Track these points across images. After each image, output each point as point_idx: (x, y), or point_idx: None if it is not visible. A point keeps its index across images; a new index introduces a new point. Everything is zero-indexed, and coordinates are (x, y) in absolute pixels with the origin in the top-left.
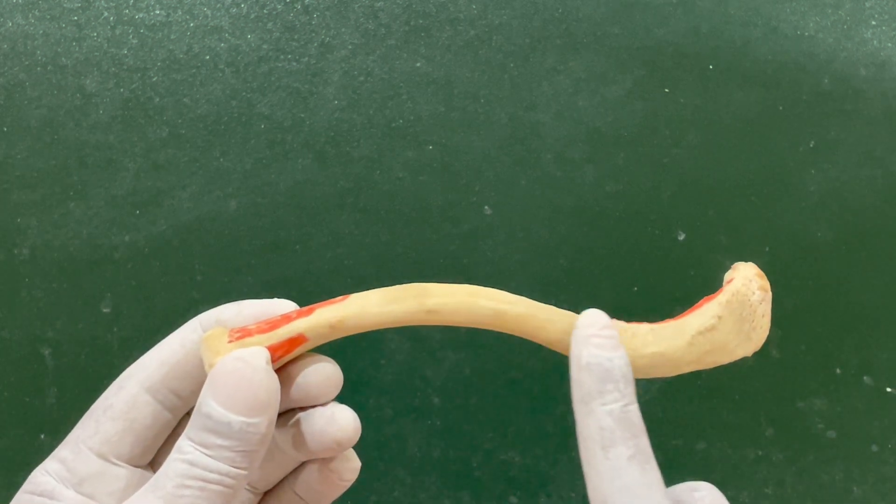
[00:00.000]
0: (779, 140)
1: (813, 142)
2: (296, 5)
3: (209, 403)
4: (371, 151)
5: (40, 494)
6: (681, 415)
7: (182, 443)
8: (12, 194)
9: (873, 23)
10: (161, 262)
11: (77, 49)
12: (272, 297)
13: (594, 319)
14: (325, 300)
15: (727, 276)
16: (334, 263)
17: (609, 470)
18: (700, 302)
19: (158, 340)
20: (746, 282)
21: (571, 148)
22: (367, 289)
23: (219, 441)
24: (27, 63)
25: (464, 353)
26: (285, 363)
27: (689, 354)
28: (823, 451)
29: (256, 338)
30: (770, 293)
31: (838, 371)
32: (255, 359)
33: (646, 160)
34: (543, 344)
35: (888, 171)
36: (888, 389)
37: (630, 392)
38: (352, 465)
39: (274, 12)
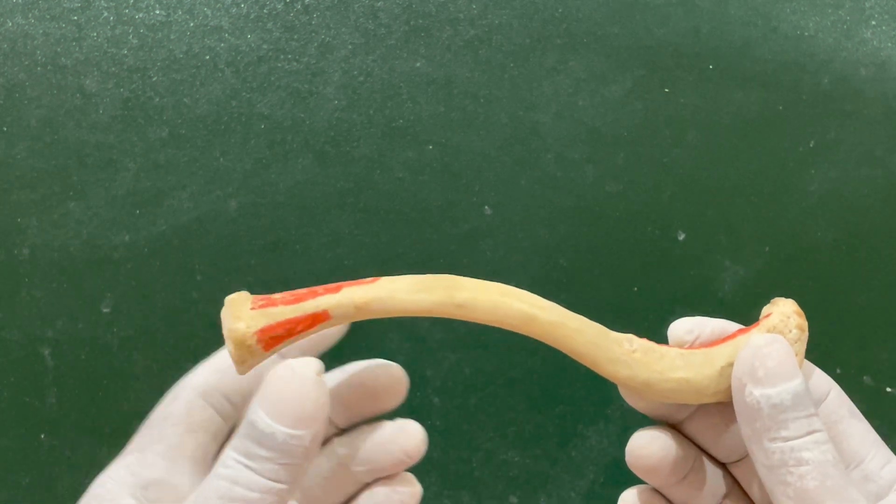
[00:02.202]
0: (779, 140)
1: (813, 142)
2: (296, 5)
3: (256, 412)
4: (371, 151)
5: (107, 501)
6: None
7: (226, 454)
8: (12, 194)
9: (873, 23)
10: (161, 262)
11: (77, 49)
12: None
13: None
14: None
15: (765, 310)
16: (334, 263)
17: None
18: (734, 333)
19: (158, 340)
20: (784, 318)
21: (571, 148)
22: None
23: (262, 452)
24: (27, 63)
25: (464, 353)
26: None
27: (716, 385)
28: None
29: (280, 308)
30: (807, 333)
31: (838, 371)
32: (304, 369)
33: (646, 160)
34: (570, 354)
35: (888, 171)
36: (888, 389)
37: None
38: (416, 489)
39: (274, 12)
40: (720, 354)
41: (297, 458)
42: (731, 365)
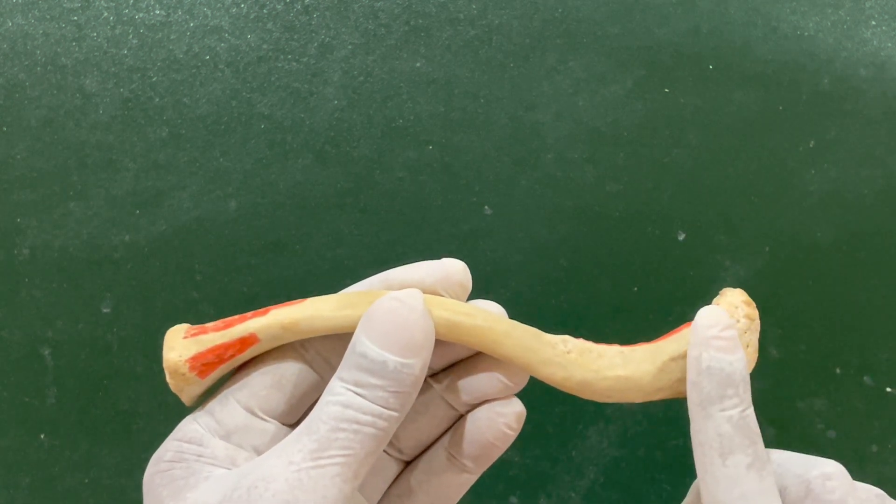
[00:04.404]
0: (779, 140)
1: (813, 142)
2: (296, 5)
3: (364, 342)
4: (371, 151)
5: (189, 441)
6: (681, 415)
7: (334, 384)
8: (12, 194)
9: (873, 23)
10: (161, 262)
11: (77, 49)
12: (272, 298)
13: (715, 319)
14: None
15: (714, 301)
16: (334, 263)
17: (727, 478)
18: (679, 327)
19: (158, 340)
20: (732, 308)
21: (571, 148)
22: None
23: (373, 380)
24: (27, 63)
25: None
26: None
27: (659, 381)
28: (823, 451)
29: (210, 335)
30: (758, 321)
31: (838, 371)
32: (411, 300)
33: (646, 160)
34: (501, 359)
35: (888, 171)
36: (888, 389)
37: (748, 396)
38: (518, 409)
39: (274, 12)
40: (663, 350)
41: (408, 387)
42: (673, 360)
